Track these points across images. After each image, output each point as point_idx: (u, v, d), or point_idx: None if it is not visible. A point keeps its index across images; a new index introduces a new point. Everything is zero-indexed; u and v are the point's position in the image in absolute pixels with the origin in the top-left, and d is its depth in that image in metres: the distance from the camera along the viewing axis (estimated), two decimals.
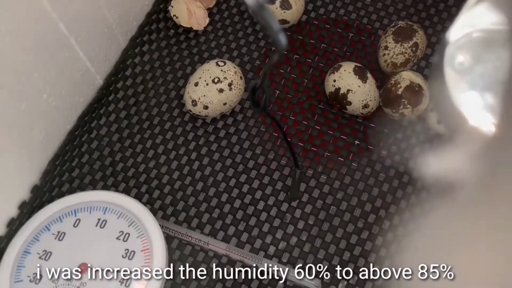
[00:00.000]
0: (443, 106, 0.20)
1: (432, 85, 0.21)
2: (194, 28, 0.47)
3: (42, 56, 0.35)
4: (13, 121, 0.34)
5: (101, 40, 0.41)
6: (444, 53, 0.20)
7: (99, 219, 0.38)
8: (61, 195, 0.41)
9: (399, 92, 0.41)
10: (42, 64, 0.35)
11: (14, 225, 0.38)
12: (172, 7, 0.47)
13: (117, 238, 0.37)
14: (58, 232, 0.37)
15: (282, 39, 0.18)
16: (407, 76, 0.42)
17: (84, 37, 0.39)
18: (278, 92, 0.46)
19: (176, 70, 0.46)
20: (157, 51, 0.47)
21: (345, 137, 0.44)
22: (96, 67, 0.42)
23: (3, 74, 0.32)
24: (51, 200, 0.41)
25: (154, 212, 0.41)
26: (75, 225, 0.38)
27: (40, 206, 0.39)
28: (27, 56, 0.34)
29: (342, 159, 0.43)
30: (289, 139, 0.35)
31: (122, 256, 0.37)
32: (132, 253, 0.37)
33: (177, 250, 0.40)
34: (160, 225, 0.38)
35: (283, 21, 0.46)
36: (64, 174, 0.42)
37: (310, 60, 0.47)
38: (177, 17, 0.47)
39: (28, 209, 0.39)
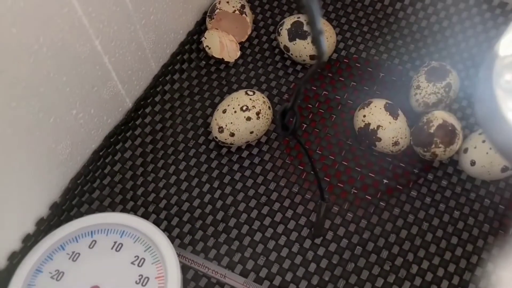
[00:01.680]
0: (491, 123, 0.19)
1: (478, 101, 0.20)
2: (225, 60, 0.48)
3: (75, 71, 0.35)
4: (39, 134, 0.34)
5: (134, 63, 0.42)
6: (491, 70, 0.19)
7: (115, 242, 0.37)
8: (79, 215, 0.40)
9: (432, 131, 0.40)
10: (75, 80, 0.36)
11: (30, 242, 0.37)
12: (206, 38, 0.47)
13: (132, 263, 0.36)
14: (73, 252, 0.36)
15: (323, 41, 0.17)
16: (440, 115, 0.41)
17: (117, 57, 0.39)
18: (305, 125, 0.45)
19: (204, 99, 0.47)
20: (187, 80, 0.48)
21: (373, 175, 0.43)
22: (127, 90, 0.43)
23: (36, 85, 0.32)
24: (68, 219, 0.40)
25: (171, 239, 0.40)
26: (91, 246, 0.37)
27: (58, 224, 0.39)
28: (62, 70, 0.34)
29: (369, 197, 0.42)
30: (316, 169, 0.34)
31: (136, 282, 0.35)
32: (146, 279, 0.35)
33: (192, 281, 0.38)
34: (176, 253, 0.37)
35: (314, 57, 0.47)
36: (84, 194, 0.41)
37: (339, 97, 0.47)
38: (209, 48, 0.47)
39: (45, 227, 0.38)
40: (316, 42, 0.17)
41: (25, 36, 0.30)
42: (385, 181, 0.42)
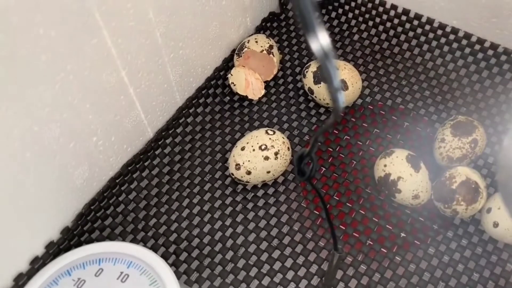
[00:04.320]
0: (511, 193, 0.18)
1: (501, 168, 0.19)
2: (249, 97, 0.48)
3: (100, 100, 0.36)
4: (58, 158, 0.35)
5: (158, 95, 0.43)
6: None
7: (121, 272, 0.36)
8: (89, 241, 0.40)
9: (454, 187, 0.39)
10: (99, 108, 0.36)
11: (37, 264, 0.37)
12: (232, 75, 0.48)
13: None
14: (79, 279, 0.36)
15: (340, 99, 0.17)
16: (464, 172, 0.39)
17: (143, 88, 0.40)
18: (324, 169, 0.44)
19: (225, 134, 0.47)
20: (210, 114, 0.48)
21: (390, 227, 0.41)
22: (149, 120, 0.43)
23: (60, 111, 0.33)
24: (78, 244, 0.40)
25: (178, 275, 0.39)
26: (97, 274, 0.36)
27: (67, 249, 0.39)
28: (86, 98, 0.35)
29: (385, 251, 0.40)
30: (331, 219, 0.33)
31: None
32: None
33: None
34: None
35: None
36: (97, 220, 0.41)
37: (361, 143, 0.46)
38: (234, 85, 0.48)
39: (54, 250, 0.38)
40: (333, 98, 0.17)
41: (53, 63, 0.31)
42: (402, 234, 0.41)
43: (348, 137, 0.46)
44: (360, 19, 0.53)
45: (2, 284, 0.35)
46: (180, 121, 0.46)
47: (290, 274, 0.39)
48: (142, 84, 0.40)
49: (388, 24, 0.52)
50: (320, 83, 0.46)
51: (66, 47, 0.31)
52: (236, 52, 0.49)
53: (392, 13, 0.51)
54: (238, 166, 0.41)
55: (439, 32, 0.50)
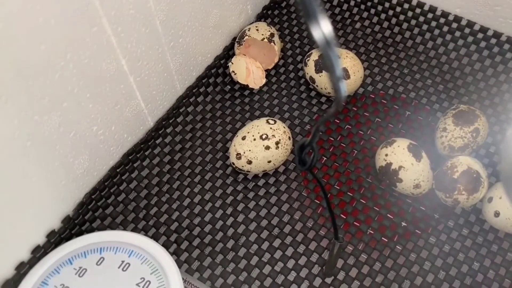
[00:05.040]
0: None
1: (504, 159, 0.19)
2: (250, 86, 0.47)
3: (100, 89, 0.36)
4: (59, 147, 0.35)
5: (159, 84, 0.42)
6: None
7: (122, 261, 0.36)
8: (90, 230, 0.40)
9: (455, 177, 0.39)
10: (99, 97, 0.36)
11: (38, 253, 0.37)
12: (232, 63, 0.47)
13: (137, 284, 0.35)
14: (80, 267, 0.36)
15: (342, 88, 0.17)
16: (465, 161, 0.39)
17: (143, 77, 0.40)
18: (325, 158, 0.44)
19: (226, 123, 0.46)
20: (210, 103, 0.48)
21: (391, 217, 0.41)
22: (150, 109, 0.43)
23: (60, 100, 0.33)
24: (79, 233, 0.40)
25: (179, 264, 0.39)
26: (98, 263, 0.36)
27: (68, 238, 0.39)
28: (86, 87, 0.34)
29: (386, 240, 0.40)
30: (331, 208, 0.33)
31: None
32: None
33: None
34: (183, 279, 0.36)
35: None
36: (98, 209, 0.41)
37: (362, 132, 0.46)
38: (235, 74, 0.47)
39: (55, 239, 0.38)
40: (335, 88, 0.16)
41: (53, 53, 0.30)
42: (403, 224, 0.41)
43: (350, 127, 0.46)
44: (362, 7, 0.53)
45: (4, 273, 0.35)
46: (181, 110, 0.46)
47: (291, 263, 0.39)
48: (142, 73, 0.39)
49: (390, 12, 0.51)
50: (322, 72, 0.45)
51: (66, 36, 0.31)
52: (236, 40, 0.49)
53: (394, 1, 0.51)
54: (239, 156, 0.41)
55: (442, 20, 0.49)
